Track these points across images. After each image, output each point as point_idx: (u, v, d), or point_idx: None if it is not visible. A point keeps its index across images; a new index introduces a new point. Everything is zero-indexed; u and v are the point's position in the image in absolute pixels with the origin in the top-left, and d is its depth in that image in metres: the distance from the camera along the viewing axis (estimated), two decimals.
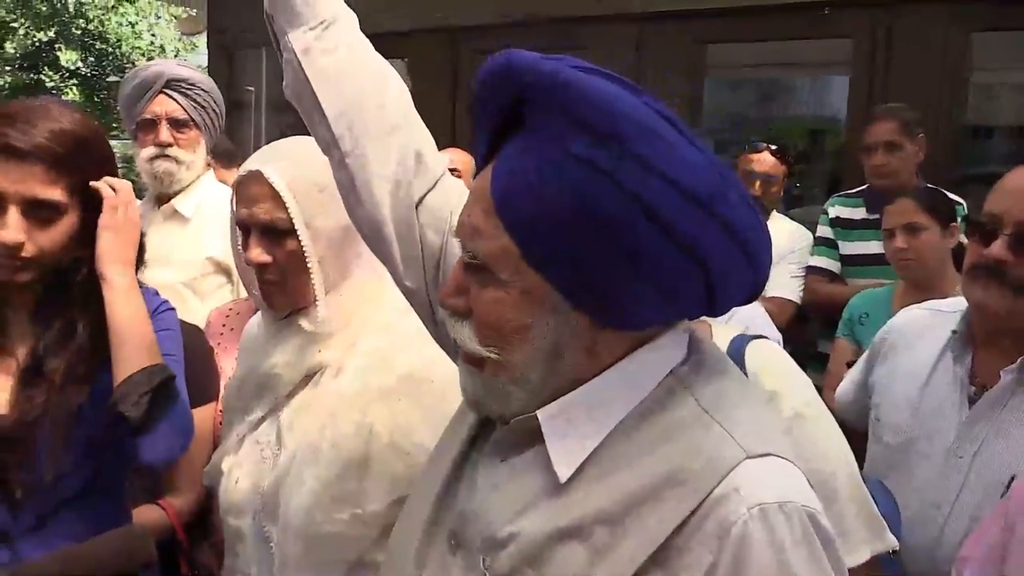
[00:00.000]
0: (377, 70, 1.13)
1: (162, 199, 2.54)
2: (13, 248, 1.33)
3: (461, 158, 3.35)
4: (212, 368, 1.90)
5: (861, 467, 1.66)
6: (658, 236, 0.80)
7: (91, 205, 1.41)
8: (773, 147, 3.43)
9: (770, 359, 1.41)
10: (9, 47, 14.98)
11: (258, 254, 1.36)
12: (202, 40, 7.39)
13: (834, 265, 3.26)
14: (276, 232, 1.35)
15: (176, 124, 2.47)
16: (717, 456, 0.82)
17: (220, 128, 2.64)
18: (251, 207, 1.36)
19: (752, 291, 0.91)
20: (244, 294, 2.42)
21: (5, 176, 1.32)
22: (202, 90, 2.53)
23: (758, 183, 3.35)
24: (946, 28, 3.53)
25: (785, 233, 3.36)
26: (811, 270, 3.28)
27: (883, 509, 1.50)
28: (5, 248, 1.33)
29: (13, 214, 1.32)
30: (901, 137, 3.07)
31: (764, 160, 3.39)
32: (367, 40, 1.15)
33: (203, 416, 1.78)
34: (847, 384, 2.14)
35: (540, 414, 0.88)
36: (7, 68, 15.67)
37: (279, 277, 1.38)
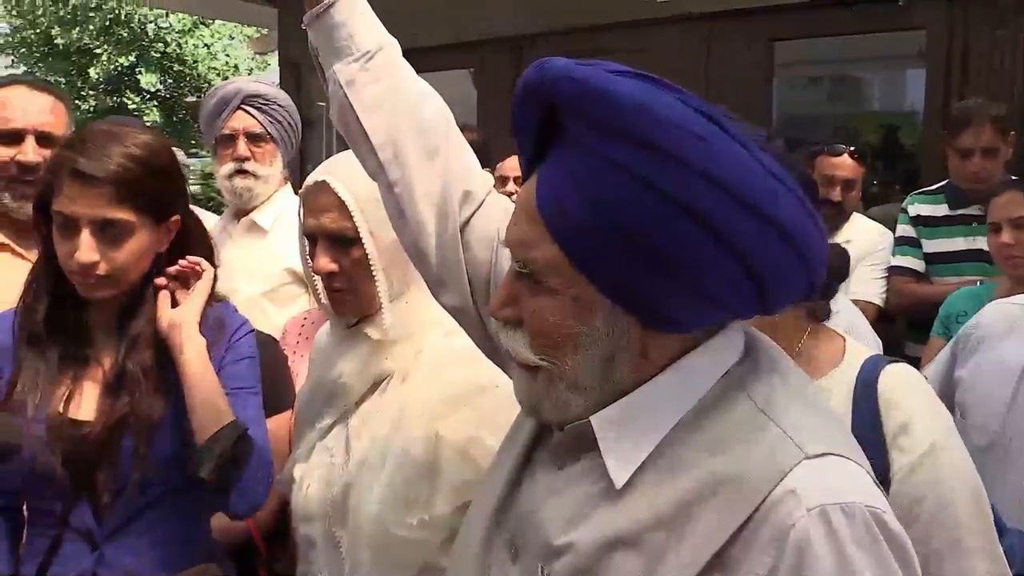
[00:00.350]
0: (418, 94, 1.15)
1: (240, 213, 2.61)
2: (88, 267, 1.39)
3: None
4: (286, 377, 1.93)
5: None
6: (702, 237, 0.79)
7: (160, 222, 1.47)
8: (851, 149, 3.32)
9: (905, 388, 1.33)
10: (93, 72, 15.61)
11: (325, 263, 1.39)
12: (274, 58, 7.56)
13: (918, 264, 3.17)
14: (342, 241, 1.38)
15: (253, 138, 2.53)
16: (774, 458, 0.80)
17: (296, 142, 2.70)
18: (318, 217, 1.39)
19: (808, 287, 0.88)
20: None
21: (77, 200, 1.38)
22: (278, 105, 2.59)
23: (839, 188, 3.24)
24: (1021, 14, 3.40)
25: (865, 233, 3.28)
26: (895, 270, 3.19)
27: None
28: (81, 267, 1.39)
29: (86, 235, 1.39)
30: (998, 141, 2.98)
31: (844, 164, 3.26)
32: (408, 65, 1.17)
33: (279, 425, 1.82)
34: (931, 378, 2.07)
35: (594, 420, 0.88)
36: (91, 92, 16.33)
37: (346, 285, 1.40)
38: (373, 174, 1.16)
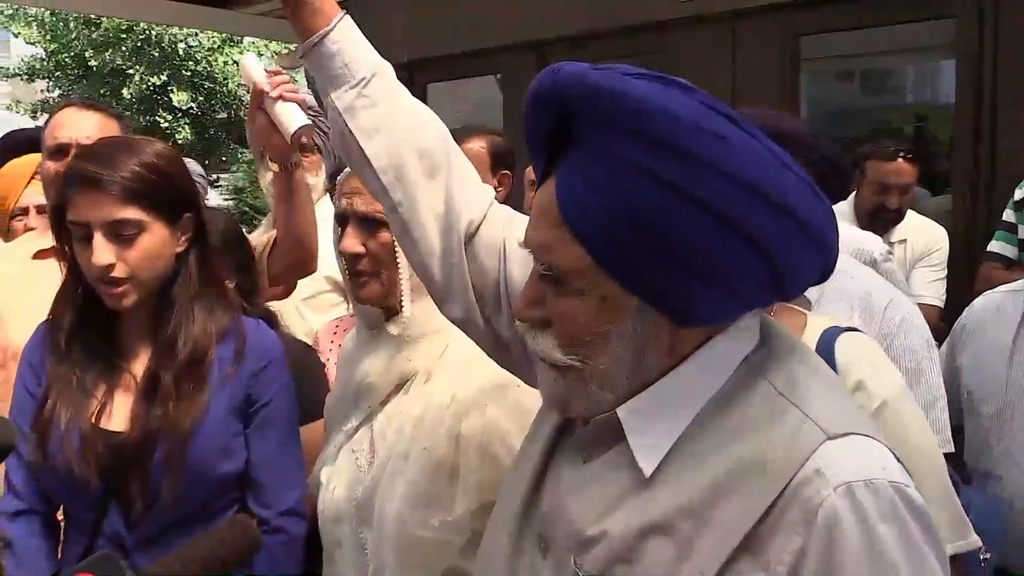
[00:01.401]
0: (416, 116, 1.17)
1: None
2: (105, 269, 1.42)
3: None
4: (322, 385, 1.95)
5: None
6: (722, 232, 0.81)
7: (173, 222, 1.49)
8: (903, 151, 3.27)
9: (860, 352, 1.40)
10: (126, 92, 15.87)
11: (352, 244, 1.41)
12: (301, 73, 7.65)
13: (1010, 250, 3.09)
14: (372, 223, 1.40)
15: (300, 149, 2.56)
16: (796, 439, 0.82)
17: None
18: (351, 198, 1.42)
19: (823, 271, 0.91)
20: None
21: (86, 206, 1.42)
22: (325, 117, 2.60)
23: (896, 194, 3.20)
24: None
25: (919, 232, 3.27)
26: (987, 256, 3.12)
27: (984, 517, 1.49)
28: (99, 271, 1.42)
29: (99, 239, 1.42)
30: None
31: (901, 170, 3.22)
32: (403, 88, 1.19)
33: (315, 430, 1.83)
34: None
35: (620, 412, 0.89)
36: (126, 112, 16.58)
37: (371, 268, 1.42)
38: (375, 195, 1.18)
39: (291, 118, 1.85)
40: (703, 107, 0.83)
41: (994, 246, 3.10)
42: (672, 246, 0.81)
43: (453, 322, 1.19)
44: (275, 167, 2.00)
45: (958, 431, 2.09)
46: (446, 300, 1.16)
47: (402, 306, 1.42)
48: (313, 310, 2.56)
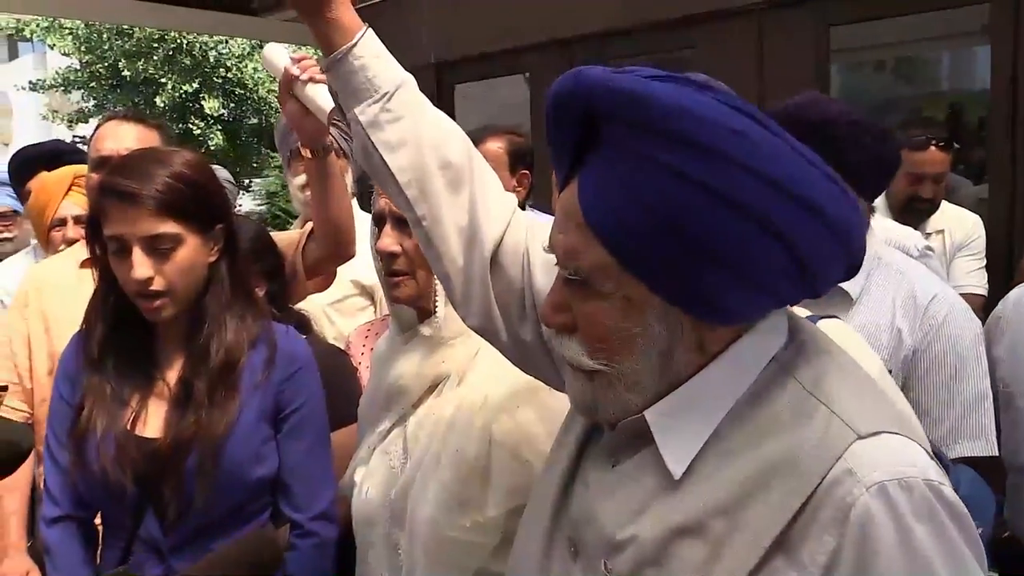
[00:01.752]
0: (440, 129, 1.16)
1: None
2: (144, 283, 1.44)
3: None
4: (354, 389, 1.95)
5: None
6: (749, 228, 0.81)
7: (206, 232, 1.51)
8: (936, 140, 3.19)
9: (838, 335, 1.38)
10: (159, 101, 16.10)
11: (388, 243, 1.43)
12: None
13: None
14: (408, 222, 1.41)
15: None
16: (827, 439, 0.81)
17: None
18: (389, 198, 1.42)
19: (849, 267, 0.90)
20: (383, 314, 2.52)
21: (124, 221, 1.44)
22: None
23: (929, 184, 3.13)
24: None
25: (958, 222, 3.21)
26: None
27: (977, 497, 1.49)
28: (138, 284, 1.44)
29: (137, 253, 1.44)
30: None
31: (933, 159, 3.14)
32: (427, 100, 1.18)
33: (348, 434, 1.84)
34: None
35: (648, 415, 0.89)
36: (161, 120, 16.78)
37: (407, 267, 1.43)
38: (401, 210, 1.18)
39: (325, 98, 1.83)
40: (724, 106, 0.84)
41: None
42: (701, 243, 0.81)
43: (474, 330, 1.19)
44: (307, 153, 2.00)
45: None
46: (468, 311, 1.16)
47: (436, 307, 1.42)
48: (341, 314, 2.58)
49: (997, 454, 1.75)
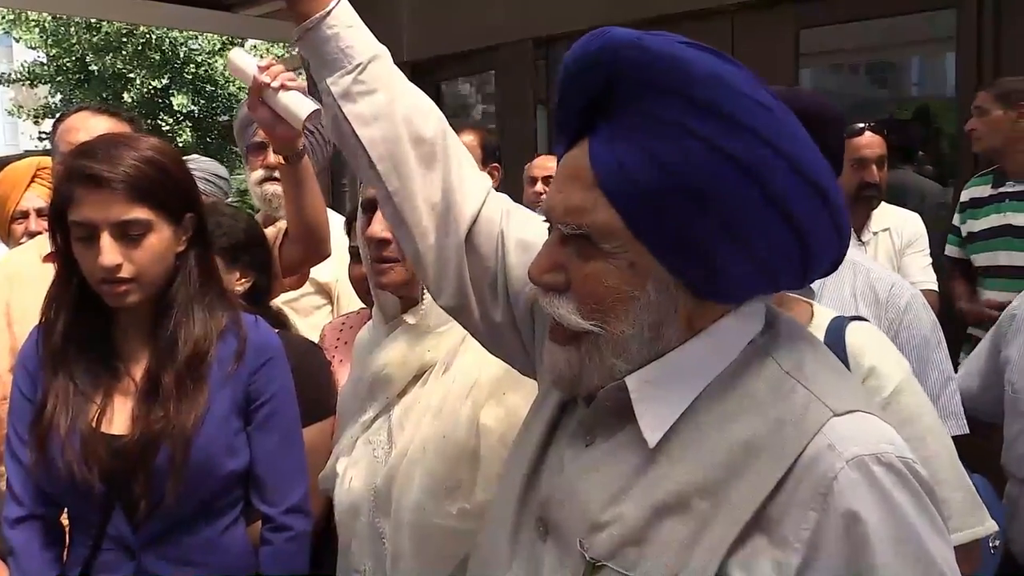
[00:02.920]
0: (414, 104, 1.14)
1: (269, 220, 2.64)
2: (112, 270, 1.41)
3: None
4: (329, 383, 1.95)
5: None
6: (766, 205, 0.82)
7: (176, 221, 1.48)
8: (869, 124, 3.27)
9: (869, 339, 1.42)
10: (128, 96, 15.90)
11: (379, 230, 1.42)
12: (302, 77, 7.66)
13: (956, 251, 3.27)
14: None
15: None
16: (804, 416, 0.82)
17: (327, 152, 2.69)
18: None
19: (836, 259, 0.92)
20: (344, 312, 2.50)
21: (93, 205, 1.40)
22: (317, 123, 2.58)
23: (874, 167, 3.17)
24: None
25: (903, 220, 3.28)
26: (950, 267, 3.28)
27: (991, 507, 1.49)
28: (105, 271, 1.41)
29: (106, 239, 1.40)
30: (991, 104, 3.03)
31: (872, 142, 3.20)
32: (401, 75, 1.15)
33: (322, 430, 1.83)
34: (971, 374, 2.09)
35: (629, 381, 0.89)
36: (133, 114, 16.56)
37: (397, 254, 1.43)
38: (370, 183, 1.16)
39: (298, 106, 1.84)
40: (750, 79, 0.85)
41: (949, 251, 3.29)
42: (719, 214, 0.82)
43: (446, 310, 1.17)
44: (281, 159, 1.99)
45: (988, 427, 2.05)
46: (440, 289, 1.14)
47: (422, 296, 1.42)
48: (297, 313, 2.56)
49: (968, 431, 1.77)
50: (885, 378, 1.37)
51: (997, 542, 1.49)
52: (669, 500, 0.84)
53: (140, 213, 1.42)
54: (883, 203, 3.31)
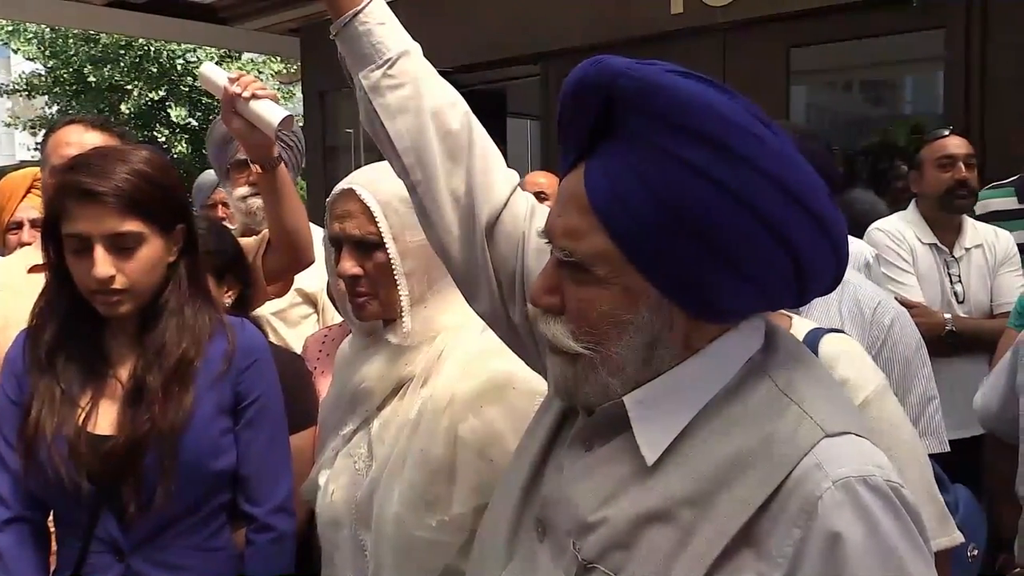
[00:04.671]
0: (442, 98, 1.17)
1: (248, 233, 2.63)
2: (105, 281, 1.43)
3: (549, 182, 3.34)
4: (311, 393, 1.97)
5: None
6: (760, 232, 0.83)
7: (168, 232, 1.51)
8: (952, 128, 3.12)
9: (844, 350, 1.43)
10: (125, 108, 15.93)
11: (349, 267, 1.43)
12: (300, 89, 7.68)
13: None
14: (366, 245, 1.42)
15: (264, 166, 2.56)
16: (796, 436, 0.83)
17: (301, 164, 2.72)
18: (343, 222, 1.44)
19: (834, 280, 0.93)
20: (329, 322, 2.52)
21: (87, 219, 1.42)
22: (289, 130, 2.59)
23: (962, 164, 2.99)
24: None
25: (994, 236, 3.09)
26: None
27: (973, 521, 1.51)
28: (99, 283, 1.43)
29: (99, 251, 1.43)
30: None
31: (955, 142, 3.04)
32: (432, 69, 1.19)
33: (304, 440, 1.85)
34: (989, 393, 2.08)
35: (627, 400, 0.90)
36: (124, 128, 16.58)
37: (370, 289, 1.44)
38: (399, 175, 1.19)
39: (270, 113, 1.89)
40: (742, 108, 0.86)
41: None
42: (711, 241, 0.83)
43: (477, 312, 1.19)
44: (257, 168, 2.02)
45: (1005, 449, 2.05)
46: (468, 285, 1.17)
47: (402, 317, 1.43)
48: (285, 323, 2.58)
49: (948, 450, 1.77)
50: (858, 389, 1.38)
51: (976, 552, 1.51)
52: (656, 509, 0.86)
53: (132, 226, 1.44)
54: (972, 220, 3.15)
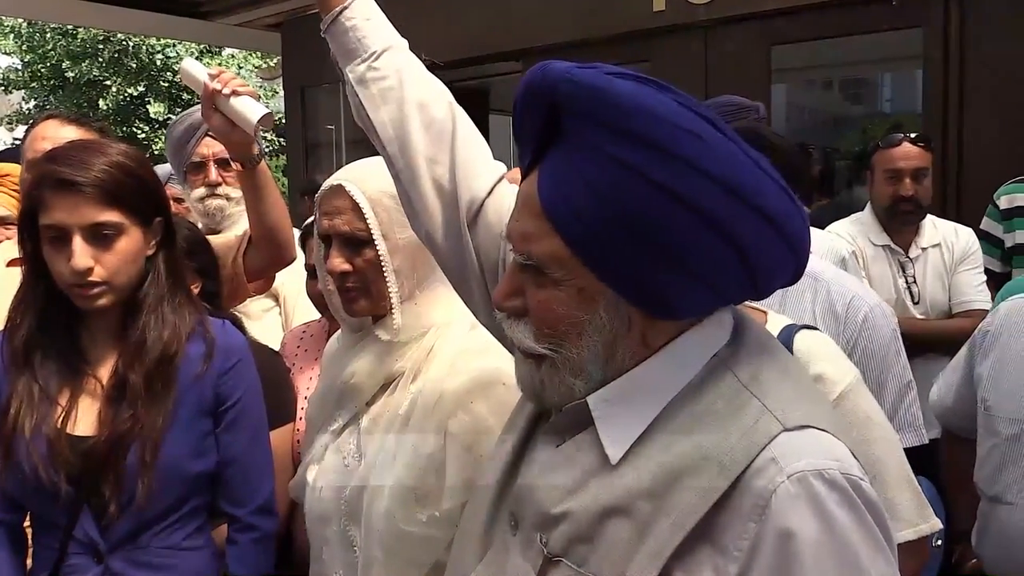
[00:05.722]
0: (425, 90, 1.20)
1: (210, 233, 2.62)
2: (83, 273, 1.42)
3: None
4: (289, 390, 1.97)
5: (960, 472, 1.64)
6: (702, 229, 0.84)
7: (146, 224, 1.51)
8: (912, 135, 3.01)
9: (817, 345, 1.44)
10: (103, 104, 15.80)
11: (339, 263, 1.44)
12: (279, 83, 7.64)
13: (995, 263, 3.11)
14: (355, 242, 1.43)
15: (223, 164, 2.53)
16: (755, 430, 0.84)
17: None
18: (332, 219, 1.44)
19: (795, 273, 0.94)
20: (292, 318, 2.51)
21: (65, 209, 1.42)
22: (269, 127, 2.58)
23: (908, 180, 2.94)
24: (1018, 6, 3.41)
25: (953, 235, 3.06)
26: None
27: (935, 506, 1.53)
28: (77, 274, 1.42)
29: (78, 242, 1.42)
30: None
31: (908, 153, 2.95)
32: (418, 62, 1.24)
33: (281, 437, 1.85)
34: (944, 387, 2.08)
35: (590, 400, 0.92)
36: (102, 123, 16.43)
37: (359, 284, 1.45)
38: (387, 166, 1.23)
39: (250, 110, 1.89)
40: (681, 107, 0.86)
41: (987, 263, 3.06)
42: (655, 241, 0.84)
43: (464, 301, 1.22)
44: (238, 165, 2.02)
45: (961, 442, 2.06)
46: (453, 274, 1.20)
47: (392, 312, 1.44)
48: (248, 317, 2.56)
49: (927, 442, 1.78)
50: (834, 383, 1.39)
51: (939, 541, 1.53)
52: (616, 503, 0.87)
53: (111, 216, 1.44)
54: (934, 217, 3.10)
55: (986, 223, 3.17)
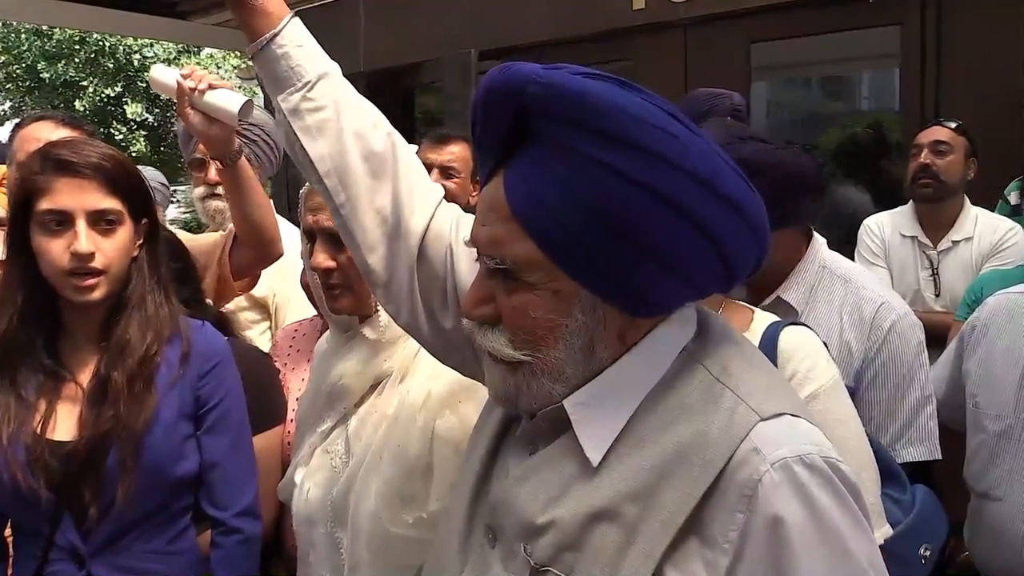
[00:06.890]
0: (363, 119, 1.15)
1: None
2: (87, 256, 1.42)
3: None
4: (278, 391, 1.95)
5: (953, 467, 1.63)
6: (683, 227, 0.84)
7: (138, 220, 1.51)
8: (943, 120, 3.14)
9: (801, 343, 1.45)
10: (80, 105, 15.64)
11: (323, 259, 1.43)
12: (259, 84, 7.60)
13: None
14: (339, 238, 1.41)
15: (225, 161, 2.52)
16: (731, 422, 0.85)
17: (276, 159, 2.66)
18: (316, 214, 1.43)
19: (757, 261, 0.94)
20: (283, 324, 2.49)
21: (69, 193, 1.41)
22: (252, 124, 2.54)
23: (926, 150, 3.03)
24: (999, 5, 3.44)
25: (988, 229, 3.02)
26: None
27: (931, 518, 1.54)
28: (80, 258, 1.41)
29: (82, 226, 1.42)
30: None
31: (932, 131, 3.09)
32: (353, 91, 1.17)
33: (271, 439, 1.84)
34: (935, 381, 2.08)
35: (567, 404, 0.91)
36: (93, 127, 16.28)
37: (343, 281, 1.44)
38: (324, 200, 1.17)
39: (229, 101, 1.85)
40: (652, 105, 0.87)
41: None
42: (634, 238, 0.84)
43: (399, 325, 1.19)
44: (218, 163, 1.99)
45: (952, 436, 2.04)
46: (391, 302, 1.16)
47: (377, 309, 1.43)
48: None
49: (940, 458, 1.77)
50: (809, 381, 1.40)
51: (928, 552, 1.52)
52: (602, 507, 0.87)
53: (114, 203, 1.45)
54: (981, 211, 3.08)
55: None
